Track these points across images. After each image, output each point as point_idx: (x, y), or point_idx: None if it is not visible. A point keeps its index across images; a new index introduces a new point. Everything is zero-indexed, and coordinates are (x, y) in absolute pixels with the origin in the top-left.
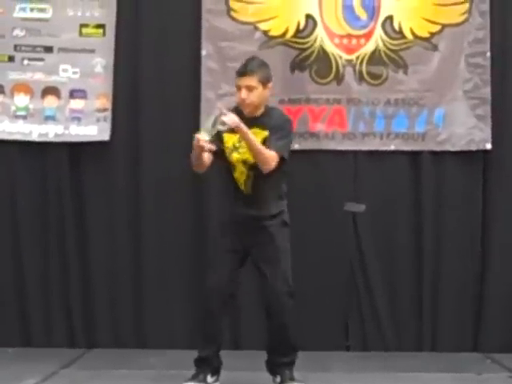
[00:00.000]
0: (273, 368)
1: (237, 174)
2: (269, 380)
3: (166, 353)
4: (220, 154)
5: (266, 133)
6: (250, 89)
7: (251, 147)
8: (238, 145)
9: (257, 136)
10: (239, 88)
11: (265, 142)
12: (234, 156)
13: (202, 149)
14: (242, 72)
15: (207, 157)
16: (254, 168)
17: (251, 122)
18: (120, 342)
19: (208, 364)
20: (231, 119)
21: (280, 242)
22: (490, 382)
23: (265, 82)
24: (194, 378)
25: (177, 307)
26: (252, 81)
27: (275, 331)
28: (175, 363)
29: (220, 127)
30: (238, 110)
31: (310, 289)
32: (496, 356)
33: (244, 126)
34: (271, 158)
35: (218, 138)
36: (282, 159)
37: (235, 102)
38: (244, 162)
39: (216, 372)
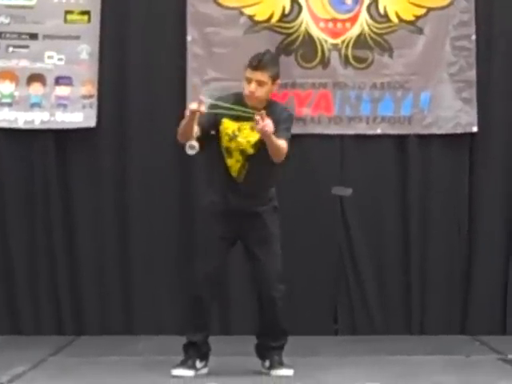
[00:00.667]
0: (262, 352)
1: (231, 162)
2: (258, 365)
3: (154, 339)
4: (212, 137)
5: None
6: (260, 83)
7: (273, 145)
8: (237, 133)
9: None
10: (249, 80)
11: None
12: (233, 144)
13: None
14: (255, 66)
15: (195, 129)
16: (250, 158)
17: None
18: (108, 328)
19: (197, 349)
20: (269, 127)
21: (272, 227)
22: (478, 364)
23: (275, 78)
24: (182, 363)
25: (164, 293)
26: (263, 76)
27: (266, 315)
28: (163, 349)
29: (189, 151)
30: (237, 97)
31: (298, 273)
32: (484, 338)
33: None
34: (285, 149)
35: (214, 123)
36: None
37: (243, 90)
38: (241, 152)
39: (204, 357)
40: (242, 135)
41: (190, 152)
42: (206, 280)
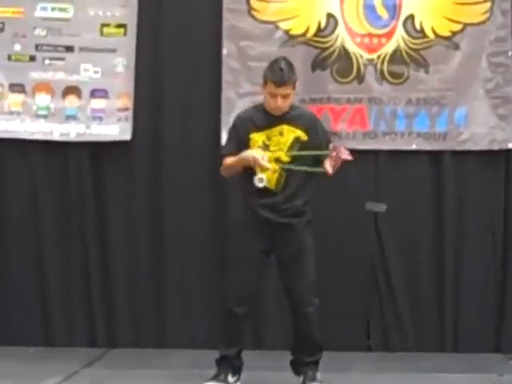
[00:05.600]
0: (297, 368)
1: (267, 174)
2: (290, 380)
3: (186, 352)
4: None
5: (298, 132)
6: (285, 96)
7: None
8: (268, 143)
9: (287, 133)
10: (274, 95)
11: (296, 141)
12: (266, 155)
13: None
14: (280, 82)
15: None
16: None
17: (279, 118)
18: (141, 341)
19: (229, 364)
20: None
21: (306, 241)
22: None
23: (295, 84)
24: (215, 377)
25: (197, 307)
26: (288, 89)
27: (300, 330)
28: (196, 363)
29: (259, 184)
30: (258, 108)
31: (331, 289)
32: None
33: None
34: None
35: (242, 140)
36: None
37: (265, 103)
38: (277, 160)
39: (237, 372)
40: (272, 143)
41: (260, 185)
42: (241, 294)
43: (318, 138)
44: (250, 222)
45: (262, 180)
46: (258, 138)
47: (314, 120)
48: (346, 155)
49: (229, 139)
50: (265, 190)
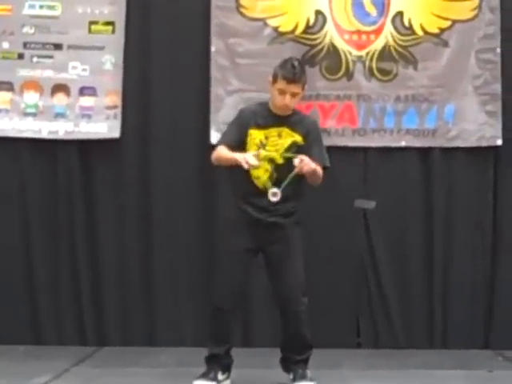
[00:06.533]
0: (287, 365)
1: (259, 172)
2: (280, 377)
3: (176, 350)
4: (236, 148)
5: (296, 137)
6: (294, 95)
7: (316, 176)
8: (265, 142)
9: (286, 137)
10: (283, 92)
11: (293, 145)
12: (262, 153)
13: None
14: (292, 79)
15: None
16: (278, 168)
17: (280, 120)
18: (130, 340)
19: (218, 361)
20: (308, 166)
21: (294, 240)
22: (501, 380)
23: (305, 85)
24: (204, 375)
25: (186, 305)
26: (298, 88)
27: (290, 329)
28: (185, 361)
29: (273, 198)
30: (263, 106)
31: (320, 286)
32: (507, 353)
33: (317, 167)
34: (321, 176)
35: (241, 133)
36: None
37: (271, 100)
38: (270, 161)
39: (227, 369)
40: (269, 143)
41: (274, 199)
42: (229, 293)
43: (313, 145)
44: (238, 221)
45: (275, 194)
46: (256, 135)
47: (314, 128)
48: (302, 169)
49: (229, 130)
50: (255, 194)
